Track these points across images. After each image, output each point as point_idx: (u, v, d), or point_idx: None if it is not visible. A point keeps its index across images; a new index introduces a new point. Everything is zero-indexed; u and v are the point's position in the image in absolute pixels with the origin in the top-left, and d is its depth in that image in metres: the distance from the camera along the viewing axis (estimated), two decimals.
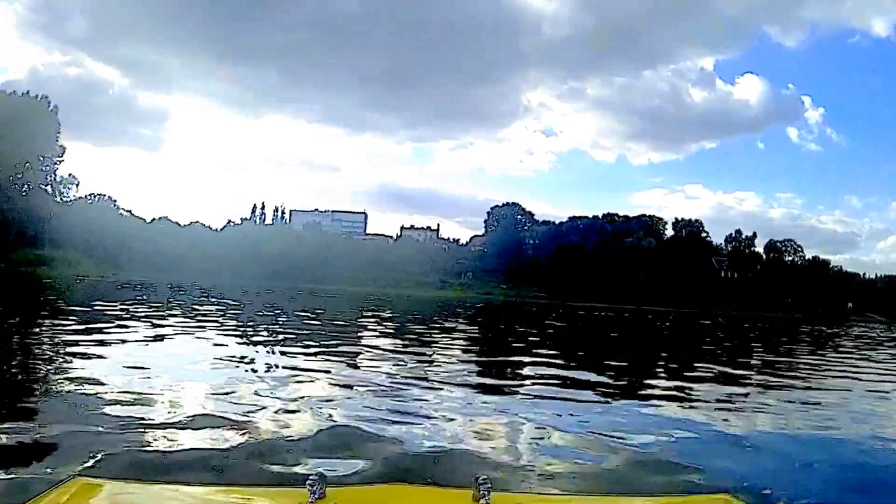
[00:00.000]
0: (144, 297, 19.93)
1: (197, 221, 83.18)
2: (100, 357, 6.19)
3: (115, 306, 14.01)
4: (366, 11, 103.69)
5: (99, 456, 2.94)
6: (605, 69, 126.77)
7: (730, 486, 2.64)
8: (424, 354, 8.63)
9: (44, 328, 8.74)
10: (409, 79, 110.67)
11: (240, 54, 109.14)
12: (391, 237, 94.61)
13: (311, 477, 1.40)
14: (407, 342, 10.64)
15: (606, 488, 3.28)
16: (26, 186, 60.95)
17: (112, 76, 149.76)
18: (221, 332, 9.70)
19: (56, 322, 9.64)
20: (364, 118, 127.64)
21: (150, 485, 1.96)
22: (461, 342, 12.15)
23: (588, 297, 62.81)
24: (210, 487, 2.22)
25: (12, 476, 2.63)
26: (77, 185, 69.10)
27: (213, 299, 21.71)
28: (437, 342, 11.16)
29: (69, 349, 6.60)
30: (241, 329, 11.20)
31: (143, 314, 12.29)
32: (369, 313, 19.75)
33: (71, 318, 10.67)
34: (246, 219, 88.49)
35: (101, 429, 3.42)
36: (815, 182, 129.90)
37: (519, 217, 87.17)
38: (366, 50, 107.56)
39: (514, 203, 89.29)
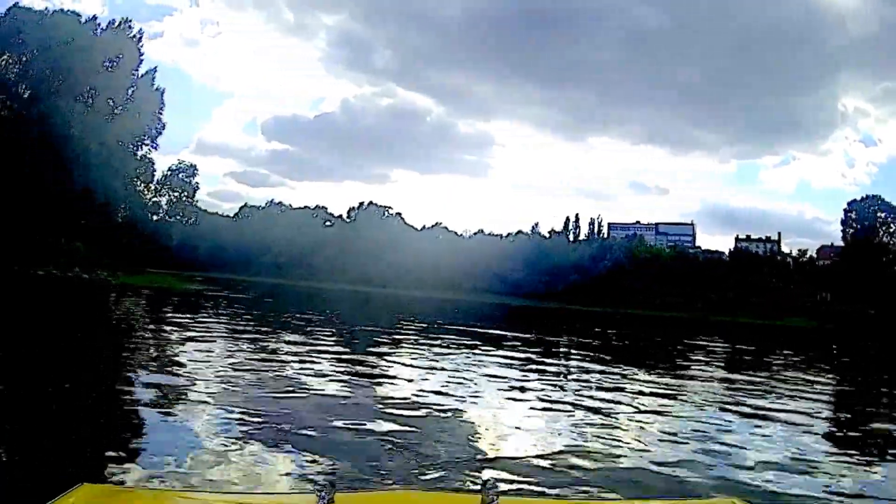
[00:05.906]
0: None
1: (480, 230, 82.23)
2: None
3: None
4: (675, 25, 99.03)
5: None
6: None
7: None
8: None
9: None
10: (724, 92, 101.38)
11: (555, 77, 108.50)
12: (723, 253, 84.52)
13: (318, 483, 1.47)
14: None
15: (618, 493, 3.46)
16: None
17: (427, 104, 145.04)
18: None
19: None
20: (687, 136, 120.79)
21: (157, 492, 2.00)
22: None
23: None
24: (219, 495, 2.25)
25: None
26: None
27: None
28: None
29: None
30: None
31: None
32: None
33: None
34: (557, 232, 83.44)
35: None
36: None
37: (882, 215, 69.82)
38: (679, 64, 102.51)
39: (874, 196, 71.99)
